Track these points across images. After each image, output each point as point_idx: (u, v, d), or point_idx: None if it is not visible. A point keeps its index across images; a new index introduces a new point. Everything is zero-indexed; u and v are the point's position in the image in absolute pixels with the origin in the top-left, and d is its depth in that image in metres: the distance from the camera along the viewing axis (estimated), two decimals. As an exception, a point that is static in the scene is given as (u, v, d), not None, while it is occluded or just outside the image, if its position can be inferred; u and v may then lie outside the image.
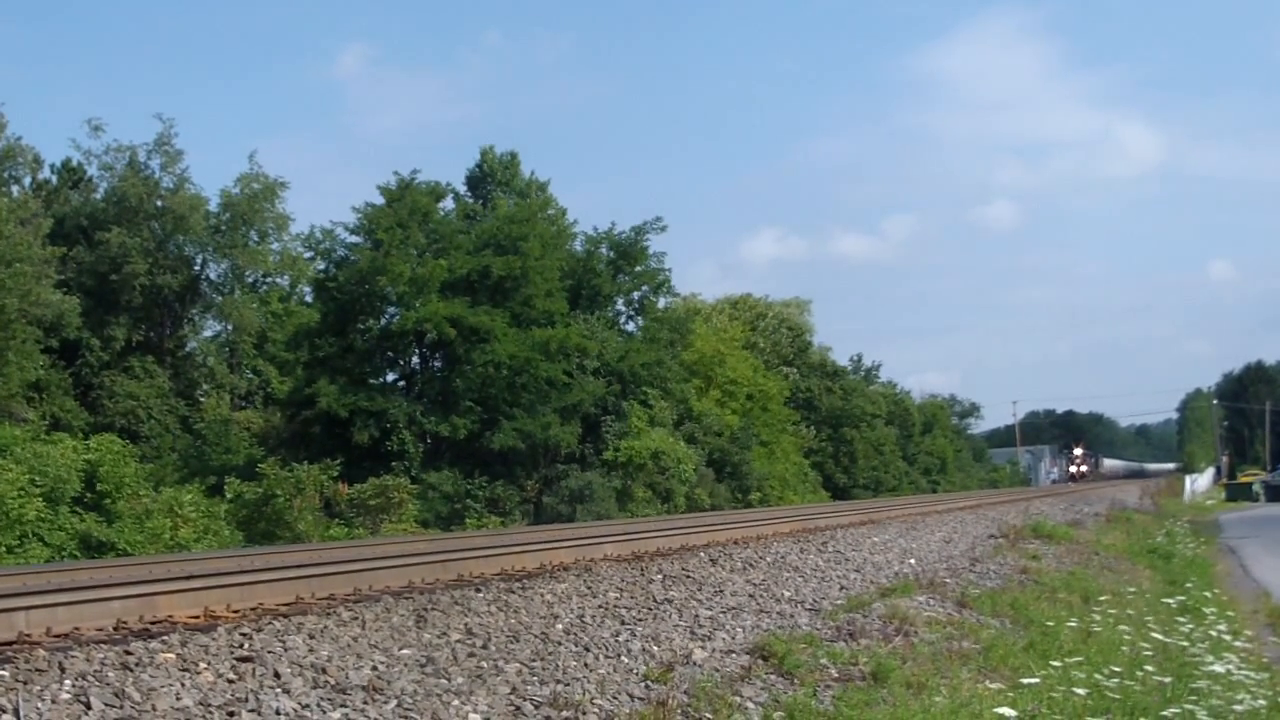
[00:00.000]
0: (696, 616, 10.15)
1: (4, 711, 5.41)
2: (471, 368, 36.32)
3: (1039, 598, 13.94)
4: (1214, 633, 10.36)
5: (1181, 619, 11.72)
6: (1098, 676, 8.18)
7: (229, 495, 29.24)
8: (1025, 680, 8.17)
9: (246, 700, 6.08)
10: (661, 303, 48.57)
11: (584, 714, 7.01)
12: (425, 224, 39.33)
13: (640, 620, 9.61)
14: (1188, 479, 77.81)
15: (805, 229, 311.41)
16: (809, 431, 60.58)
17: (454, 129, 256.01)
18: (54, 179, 45.59)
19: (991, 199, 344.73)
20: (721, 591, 11.58)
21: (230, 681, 6.33)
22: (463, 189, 48.77)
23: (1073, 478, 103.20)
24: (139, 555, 22.18)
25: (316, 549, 17.07)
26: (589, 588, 10.59)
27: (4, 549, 22.39)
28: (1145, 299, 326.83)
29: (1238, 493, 64.45)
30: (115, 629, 7.58)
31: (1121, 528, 30.25)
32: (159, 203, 41.50)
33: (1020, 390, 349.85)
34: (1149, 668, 8.63)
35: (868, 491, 62.41)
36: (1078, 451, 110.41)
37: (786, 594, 12.16)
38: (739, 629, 10.00)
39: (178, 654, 6.57)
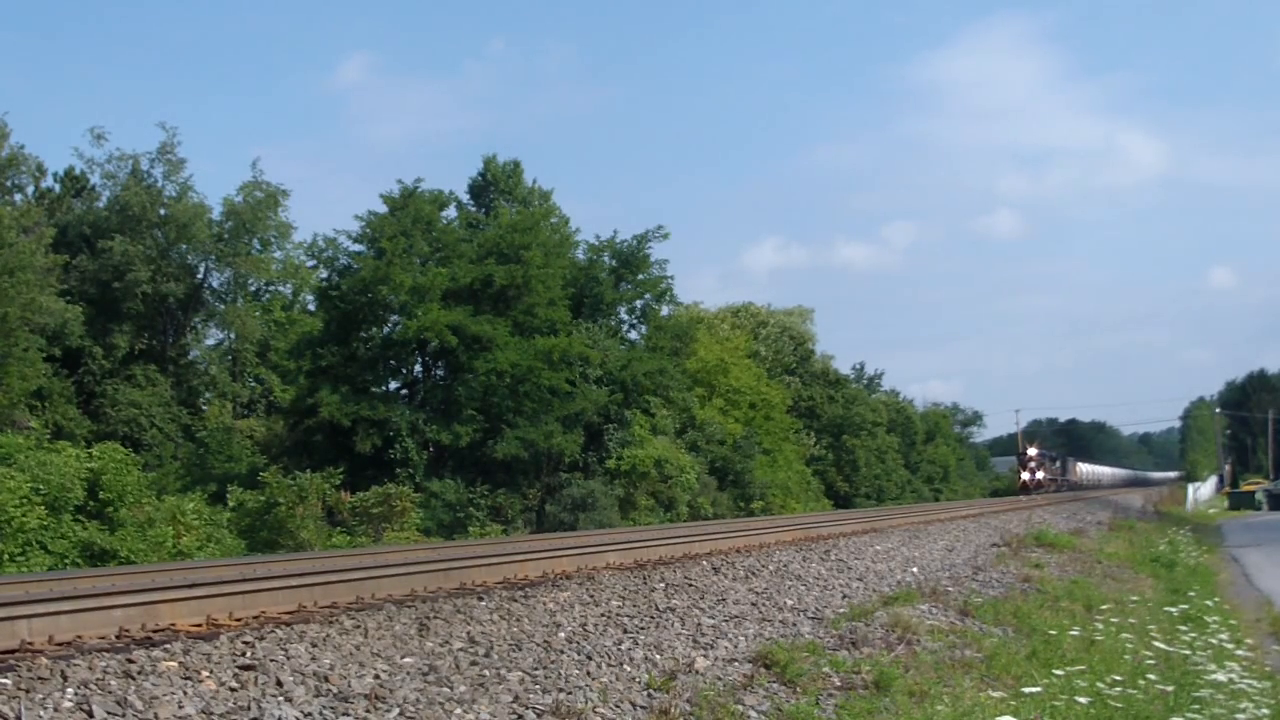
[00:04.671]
0: (699, 625, 10.15)
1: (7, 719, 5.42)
2: (474, 376, 36.34)
3: (1041, 606, 13.92)
4: (1216, 641, 10.34)
5: (1184, 627, 11.70)
6: (1100, 685, 8.17)
7: (231, 503, 29.28)
8: (1028, 689, 8.17)
9: (249, 709, 6.09)
10: (664, 311, 48.61)
11: (586, 722, 7.02)
12: (428, 232, 39.39)
13: (643, 629, 9.61)
14: (1190, 487, 77.67)
15: (807, 237, 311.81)
16: (811, 440, 60.57)
17: (457, 137, 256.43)
18: (57, 187, 45.76)
19: (994, 208, 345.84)
20: (724, 600, 11.58)
21: (233, 690, 6.34)
22: (465, 198, 48.84)
23: (1024, 488, 72.22)
24: (141, 563, 22.20)
25: (319, 557, 17.07)
26: (591, 596, 10.59)
27: (7, 557, 22.41)
28: (1147, 308, 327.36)
29: (1240, 501, 64.32)
30: (117, 637, 7.59)
31: (1124, 536, 30.21)
32: (161, 211, 41.62)
33: (1023, 399, 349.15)
34: (1151, 676, 8.62)
35: (870, 500, 62.37)
36: (1031, 452, 76.68)
37: (789, 602, 12.16)
38: (741, 637, 9.99)
39: (180, 662, 6.57)
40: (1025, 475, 74.09)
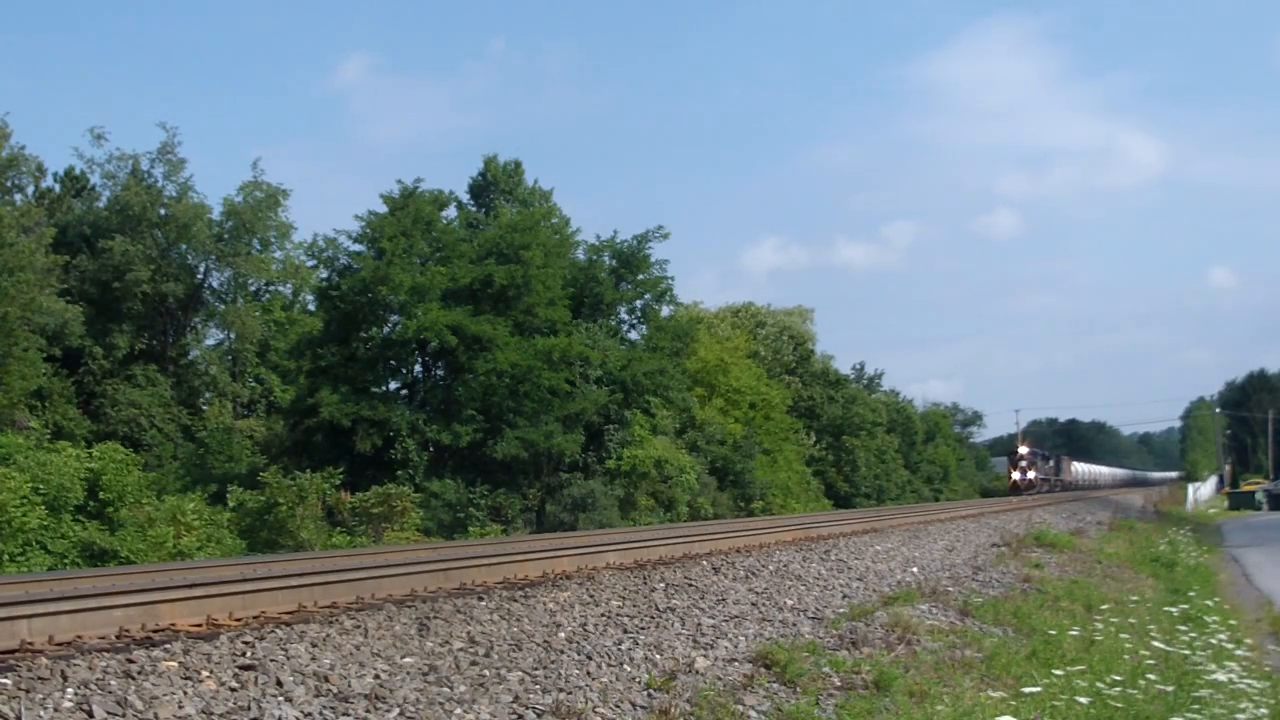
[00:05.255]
0: (699, 625, 10.15)
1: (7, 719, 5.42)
2: (474, 376, 36.33)
3: (1041, 606, 13.93)
4: (1216, 641, 10.34)
5: (1183, 627, 11.71)
6: (1100, 685, 8.18)
7: (231, 503, 29.27)
8: (1028, 689, 8.18)
9: (249, 709, 6.09)
10: (664, 311, 48.57)
11: (586, 722, 7.02)
12: (428, 232, 39.37)
13: (643, 629, 9.61)
14: (1190, 487, 77.58)
15: (807, 237, 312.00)
16: (811, 440, 60.54)
17: (457, 137, 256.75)
18: (57, 187, 45.74)
19: (994, 207, 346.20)
20: (724, 600, 11.58)
21: (233, 690, 6.34)
22: (466, 198, 48.84)
23: (1015, 488, 70.05)
24: (141, 563, 22.20)
25: (319, 557, 17.07)
26: (591, 596, 10.59)
27: (7, 557, 22.41)
28: (1147, 307, 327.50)
29: (1240, 501, 64.28)
30: (118, 637, 7.59)
31: (1124, 536, 30.21)
32: (162, 211, 41.58)
33: (1023, 399, 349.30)
34: (1151, 676, 8.62)
35: (870, 500, 62.33)
36: (1022, 450, 73.76)
37: (789, 602, 12.16)
38: (741, 637, 9.99)
39: (180, 662, 6.57)
40: (1016, 475, 71.76)
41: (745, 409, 52.83)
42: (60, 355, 37.25)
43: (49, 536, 23.74)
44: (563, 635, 8.93)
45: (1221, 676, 8.42)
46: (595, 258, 45.29)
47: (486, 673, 7.51)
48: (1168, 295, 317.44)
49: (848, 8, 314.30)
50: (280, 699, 6.31)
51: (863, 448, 64.63)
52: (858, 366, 78.48)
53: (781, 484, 51.28)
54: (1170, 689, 8.33)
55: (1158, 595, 17.13)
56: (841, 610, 12.07)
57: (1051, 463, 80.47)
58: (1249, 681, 8.33)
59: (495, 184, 48.90)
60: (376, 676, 7.02)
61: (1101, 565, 21.12)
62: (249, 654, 6.97)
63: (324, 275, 41.26)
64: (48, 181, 45.53)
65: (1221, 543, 32.60)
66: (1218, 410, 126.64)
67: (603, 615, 9.89)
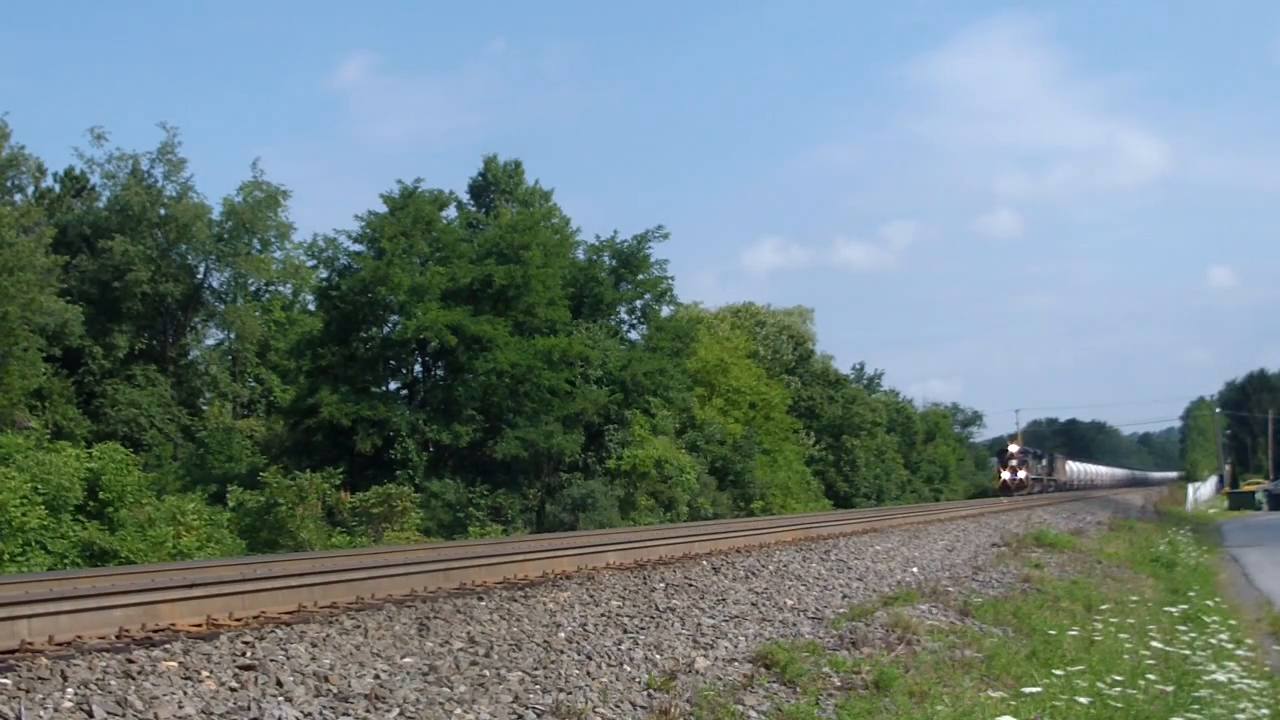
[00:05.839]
0: (699, 625, 10.15)
1: (7, 719, 5.42)
2: (474, 376, 36.35)
3: (1041, 606, 13.92)
4: (1216, 641, 10.34)
5: (1183, 627, 11.70)
6: (1100, 685, 8.18)
7: (231, 503, 29.30)
8: (1028, 689, 8.17)
9: (249, 709, 6.09)
10: (664, 311, 48.59)
11: (586, 722, 7.02)
12: (428, 232, 39.41)
13: (643, 629, 9.61)
14: (1190, 487, 77.50)
15: (807, 238, 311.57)
16: (811, 440, 60.56)
17: (457, 137, 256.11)
18: (57, 187, 45.79)
19: (994, 208, 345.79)
20: (724, 600, 11.58)
21: (233, 690, 6.34)
22: (466, 198, 48.91)
23: (1005, 488, 66.86)
24: (141, 563, 22.21)
25: (319, 557, 17.06)
26: (591, 596, 10.59)
27: (7, 557, 22.42)
28: (1147, 307, 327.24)
29: (1240, 501, 64.25)
30: (118, 637, 7.59)
31: (1124, 536, 30.19)
32: (162, 211, 41.62)
33: (1023, 399, 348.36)
34: (1151, 676, 8.61)
35: (870, 500, 62.35)
36: (1013, 449, 70.90)
37: (789, 602, 12.16)
38: (741, 637, 9.99)
39: (180, 662, 6.57)
40: (1006, 474, 68.50)
41: (745, 409, 52.86)
42: (60, 355, 37.28)
43: (49, 536, 23.75)
44: (563, 635, 8.93)
45: (1221, 676, 8.41)
46: (595, 258, 45.33)
47: (486, 673, 7.51)
48: (1167, 295, 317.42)
49: (848, 8, 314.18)
50: (280, 699, 6.31)
51: (863, 448, 64.65)
52: (858, 366, 78.62)
53: (781, 484, 51.30)
54: (1170, 689, 8.32)
55: (1158, 595, 17.12)
56: (841, 610, 12.07)
57: (1044, 462, 77.67)
58: (1249, 681, 8.33)
59: (495, 184, 48.94)
60: (376, 676, 7.02)
61: (1101, 565, 21.11)
62: (249, 654, 6.97)
63: (324, 275, 41.32)
64: (48, 181, 45.64)
65: (1221, 543, 32.58)
66: (1218, 410, 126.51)
67: (603, 615, 9.89)
